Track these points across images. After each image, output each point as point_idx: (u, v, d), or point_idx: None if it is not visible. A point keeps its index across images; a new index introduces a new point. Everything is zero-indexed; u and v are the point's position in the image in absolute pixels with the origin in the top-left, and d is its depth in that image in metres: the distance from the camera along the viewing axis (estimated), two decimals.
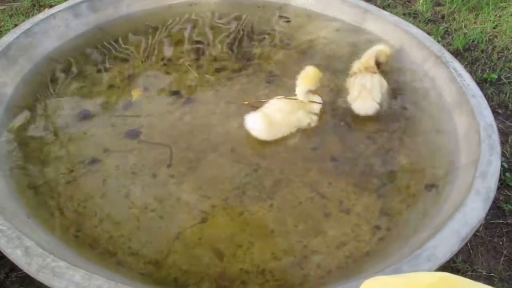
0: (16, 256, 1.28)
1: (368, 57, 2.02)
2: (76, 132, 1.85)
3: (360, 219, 1.61)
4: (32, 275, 1.26)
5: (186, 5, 2.59)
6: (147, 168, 1.73)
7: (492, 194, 1.50)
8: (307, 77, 1.88)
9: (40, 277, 1.24)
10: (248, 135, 1.84)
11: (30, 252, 1.28)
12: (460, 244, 1.37)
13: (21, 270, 1.29)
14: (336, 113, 1.98)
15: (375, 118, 1.94)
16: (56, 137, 1.84)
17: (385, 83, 1.98)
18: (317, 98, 1.94)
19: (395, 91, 2.08)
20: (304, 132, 1.90)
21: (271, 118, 1.82)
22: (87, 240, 1.51)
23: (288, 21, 2.53)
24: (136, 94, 2.03)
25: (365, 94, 1.91)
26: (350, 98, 1.96)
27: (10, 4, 3.34)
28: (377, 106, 1.90)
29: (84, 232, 1.54)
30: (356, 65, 2.06)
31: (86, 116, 1.92)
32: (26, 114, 1.91)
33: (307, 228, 1.58)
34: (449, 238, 1.37)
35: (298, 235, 1.56)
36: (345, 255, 1.51)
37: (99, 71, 2.16)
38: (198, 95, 2.06)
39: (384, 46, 2.06)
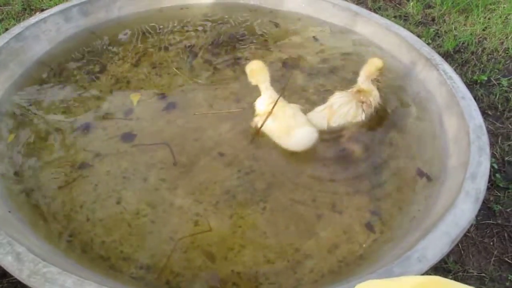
0: (7, 262, 1.27)
1: (363, 83, 1.95)
2: (67, 136, 1.85)
3: (352, 221, 1.62)
4: (24, 281, 1.25)
5: (178, 8, 2.59)
6: (139, 172, 1.73)
7: (482, 196, 1.51)
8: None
9: (32, 283, 1.24)
10: (237, 137, 1.85)
11: (22, 258, 1.28)
12: (451, 246, 1.38)
13: (12, 276, 1.29)
14: None
15: (366, 120, 1.95)
16: (47, 142, 1.83)
17: (360, 115, 1.92)
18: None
19: (385, 94, 2.09)
20: None
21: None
22: (79, 245, 1.51)
23: (279, 25, 2.54)
24: (135, 98, 2.04)
25: (326, 112, 1.89)
26: (317, 108, 1.94)
27: (1, 8, 3.33)
28: (325, 127, 1.88)
29: (76, 237, 1.53)
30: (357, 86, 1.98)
31: (77, 121, 1.91)
32: (17, 119, 1.91)
33: (299, 231, 1.58)
34: (440, 240, 1.38)
35: (291, 237, 1.56)
36: (338, 259, 1.51)
37: (90, 75, 2.16)
38: (189, 98, 2.06)
39: (374, 61, 1.95)
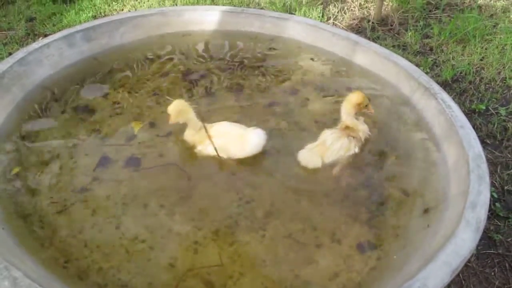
0: (3, 287, 1.26)
1: (346, 120, 1.98)
2: (68, 161, 1.85)
3: (351, 249, 1.61)
4: None
5: (179, 35, 2.63)
6: (138, 198, 1.73)
7: (482, 225, 1.51)
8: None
9: None
10: (237, 164, 1.85)
11: (18, 283, 1.26)
12: (452, 275, 1.37)
13: None
14: None
15: (365, 150, 1.96)
16: (47, 166, 1.83)
17: (354, 150, 1.95)
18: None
19: (383, 123, 2.11)
20: (295, 162, 1.91)
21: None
22: (76, 272, 1.49)
23: (280, 53, 2.57)
24: (137, 126, 2.05)
25: (319, 149, 1.91)
26: (308, 146, 1.94)
27: (5, 32, 3.37)
28: (319, 165, 1.88)
29: (73, 263, 1.52)
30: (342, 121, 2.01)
31: (76, 145, 1.92)
32: (17, 143, 1.91)
33: (299, 259, 1.57)
34: (441, 269, 1.37)
35: (290, 266, 1.55)
36: (338, 287, 1.50)
37: (92, 100, 2.17)
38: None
39: (351, 98, 1.98)
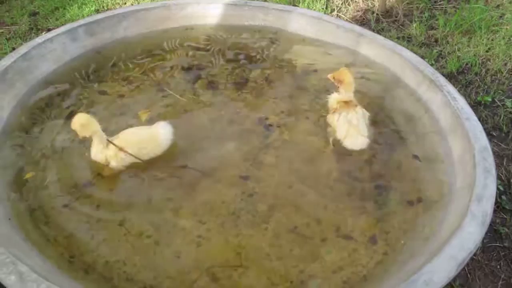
0: (10, 281, 1.26)
1: (347, 92, 2.02)
2: (72, 156, 1.85)
3: (357, 243, 1.61)
4: None
5: (182, 29, 2.62)
6: (143, 193, 1.73)
7: (489, 218, 1.50)
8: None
9: None
10: (240, 158, 1.85)
11: (24, 278, 1.27)
12: (457, 269, 1.36)
13: None
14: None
15: (370, 144, 1.95)
16: (52, 161, 1.83)
17: (367, 114, 2.03)
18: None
19: (388, 115, 2.10)
20: (298, 155, 1.90)
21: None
22: (82, 266, 1.50)
23: (283, 45, 2.56)
24: (144, 115, 2.05)
25: (353, 131, 1.94)
26: (339, 135, 1.97)
27: (8, 27, 3.37)
28: (367, 140, 1.95)
29: (79, 257, 1.52)
30: (333, 100, 2.06)
31: (81, 140, 1.91)
32: (23, 137, 1.91)
33: (303, 253, 1.57)
34: (446, 263, 1.36)
35: (295, 260, 1.55)
36: (342, 280, 1.49)
37: (95, 94, 2.17)
38: (192, 119, 2.07)
39: (343, 69, 2.06)
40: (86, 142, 1.88)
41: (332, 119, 2.02)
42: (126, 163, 1.82)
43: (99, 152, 1.80)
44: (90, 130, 1.77)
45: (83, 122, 1.76)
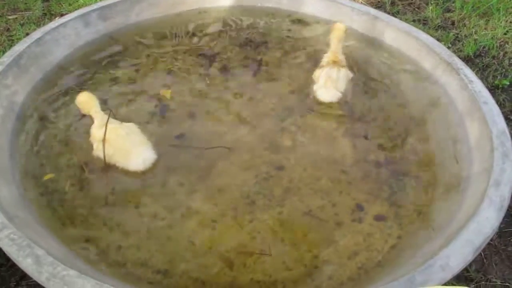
0: (26, 264, 1.28)
1: (335, 51, 2.14)
2: (86, 140, 1.86)
3: (372, 227, 1.60)
4: (43, 284, 1.25)
5: (196, 12, 2.60)
6: (156, 176, 1.73)
7: (506, 203, 1.48)
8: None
9: (51, 286, 1.23)
10: (255, 142, 1.85)
11: (41, 261, 1.28)
12: (474, 254, 1.35)
13: (31, 278, 1.29)
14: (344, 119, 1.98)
15: (384, 125, 1.93)
16: (67, 146, 1.84)
17: (350, 75, 2.14)
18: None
19: (405, 98, 2.08)
20: (313, 139, 1.89)
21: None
22: (95, 250, 1.51)
23: (298, 28, 2.53)
24: (167, 93, 2.08)
25: (329, 84, 2.05)
26: (316, 86, 2.09)
27: (22, 13, 3.37)
28: (340, 95, 2.06)
29: (93, 241, 1.53)
30: (326, 59, 2.15)
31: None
32: (38, 122, 1.92)
33: (318, 238, 1.56)
34: (463, 248, 1.35)
35: (309, 244, 1.54)
36: (357, 266, 1.49)
37: (108, 79, 2.17)
38: (207, 103, 2.06)
39: (339, 25, 2.16)
40: None
41: (317, 73, 2.11)
42: (99, 155, 1.77)
43: (94, 127, 1.79)
44: (88, 109, 1.80)
45: (84, 100, 1.80)
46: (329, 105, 2.07)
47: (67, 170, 1.75)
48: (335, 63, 2.10)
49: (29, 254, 1.29)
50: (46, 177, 1.72)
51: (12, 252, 1.30)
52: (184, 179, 1.73)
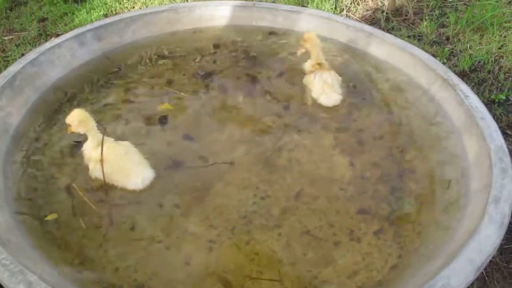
0: None
1: (317, 58, 2.21)
2: (82, 162, 1.84)
3: (371, 247, 1.57)
4: None
5: (190, 32, 2.60)
6: (153, 197, 1.71)
7: (507, 220, 1.46)
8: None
9: None
10: (251, 162, 1.83)
11: (33, 287, 1.25)
12: (476, 273, 1.32)
13: None
14: (342, 136, 1.97)
15: (380, 141, 1.92)
16: (61, 167, 1.82)
17: (340, 78, 2.21)
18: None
19: (402, 116, 2.07)
20: (310, 156, 1.88)
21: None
22: (91, 273, 1.48)
23: (292, 45, 2.53)
24: (167, 106, 2.11)
25: (327, 89, 2.12)
26: (315, 93, 2.15)
27: (18, 33, 3.38)
28: (341, 97, 2.14)
29: (88, 264, 1.50)
30: (309, 64, 2.23)
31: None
32: (33, 142, 1.90)
33: (317, 257, 1.54)
34: (464, 267, 1.33)
35: (308, 264, 1.52)
36: (357, 285, 1.46)
37: (104, 99, 2.16)
38: (203, 123, 2.05)
39: (309, 35, 2.23)
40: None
41: (309, 79, 2.20)
42: (96, 176, 1.75)
43: (88, 148, 1.76)
44: (85, 127, 1.74)
45: (80, 118, 1.73)
46: (334, 108, 2.13)
47: (62, 192, 1.73)
48: (320, 65, 2.18)
49: (22, 280, 1.26)
50: (49, 217, 1.66)
51: (4, 278, 1.27)
52: (180, 200, 1.71)
